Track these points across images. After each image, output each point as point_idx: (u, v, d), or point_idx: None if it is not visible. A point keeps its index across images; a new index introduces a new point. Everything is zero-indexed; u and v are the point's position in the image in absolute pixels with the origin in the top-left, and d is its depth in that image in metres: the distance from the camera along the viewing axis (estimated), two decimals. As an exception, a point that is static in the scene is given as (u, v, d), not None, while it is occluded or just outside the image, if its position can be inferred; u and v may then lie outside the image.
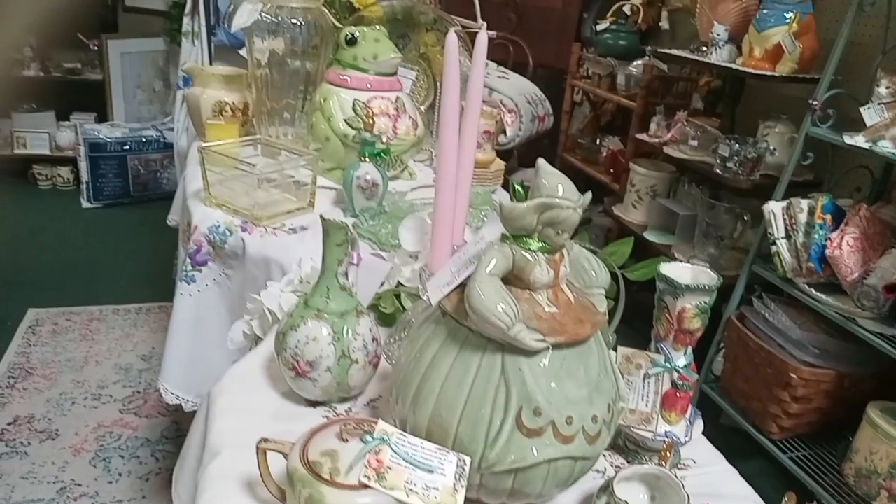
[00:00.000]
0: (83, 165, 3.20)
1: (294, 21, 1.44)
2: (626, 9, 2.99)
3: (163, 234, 2.28)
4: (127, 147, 3.22)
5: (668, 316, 0.78)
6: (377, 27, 1.35)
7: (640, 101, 2.69)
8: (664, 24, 3.01)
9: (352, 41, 1.30)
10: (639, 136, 2.63)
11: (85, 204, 3.29)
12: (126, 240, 3.02)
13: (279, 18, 1.43)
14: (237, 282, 1.19)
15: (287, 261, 1.09)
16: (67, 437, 1.84)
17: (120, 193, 3.29)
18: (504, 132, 1.49)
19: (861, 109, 1.81)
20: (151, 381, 2.11)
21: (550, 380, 0.63)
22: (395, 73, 1.37)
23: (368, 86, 1.33)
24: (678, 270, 0.80)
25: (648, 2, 2.98)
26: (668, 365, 0.78)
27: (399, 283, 1.01)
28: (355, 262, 0.86)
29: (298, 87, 1.55)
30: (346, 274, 0.78)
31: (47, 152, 3.37)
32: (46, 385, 2.05)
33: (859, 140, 1.80)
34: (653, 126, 2.58)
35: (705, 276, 0.79)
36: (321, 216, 0.74)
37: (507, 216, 0.64)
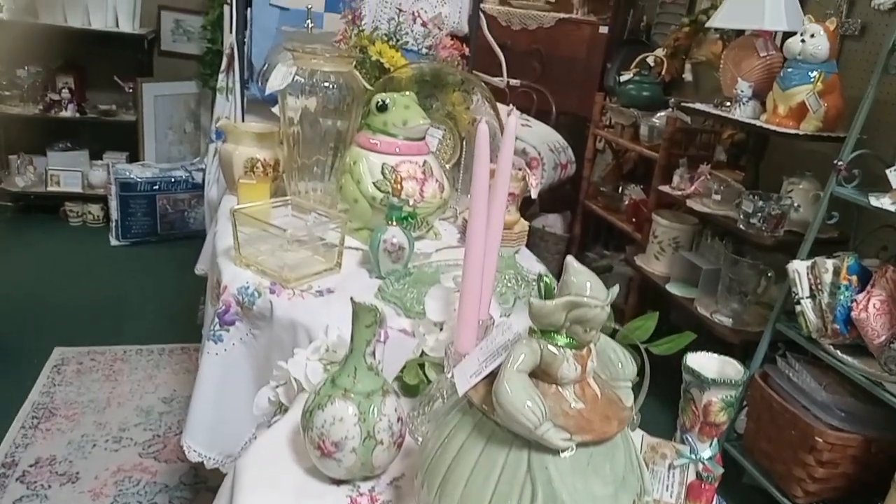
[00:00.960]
0: (113, 204, 3.28)
1: (326, 84, 1.48)
2: (650, 60, 3.03)
3: (188, 273, 2.32)
4: (156, 187, 3.30)
5: (693, 408, 0.78)
6: (407, 94, 1.38)
7: (663, 153, 2.70)
8: (687, 77, 3.04)
9: (382, 108, 1.34)
10: (661, 187, 2.64)
11: (113, 242, 3.36)
12: (152, 278, 3.07)
13: (313, 80, 1.47)
14: (264, 342, 1.21)
15: (313, 325, 1.11)
16: (87, 481, 1.85)
17: (147, 232, 3.36)
18: (529, 194, 1.51)
19: (887, 171, 1.80)
20: (171, 424, 2.12)
21: (577, 478, 0.63)
22: (423, 138, 1.40)
23: (397, 150, 1.36)
24: (704, 361, 0.80)
25: (672, 54, 3.01)
26: (693, 457, 0.78)
27: (423, 353, 1.02)
28: (382, 339, 0.87)
29: (329, 144, 1.59)
30: (373, 353, 0.79)
31: (79, 190, 3.47)
32: (69, 426, 2.07)
33: (885, 202, 1.80)
34: (676, 178, 2.59)
35: (732, 368, 0.79)
36: (351, 299, 0.75)
37: (535, 314, 0.65)
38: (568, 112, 3.48)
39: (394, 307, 1.15)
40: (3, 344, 2.45)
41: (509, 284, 1.25)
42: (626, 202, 3.08)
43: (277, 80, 1.42)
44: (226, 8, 3.02)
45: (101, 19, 3.25)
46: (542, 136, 3.14)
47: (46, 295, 2.82)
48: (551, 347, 0.65)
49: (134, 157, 3.50)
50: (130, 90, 3.41)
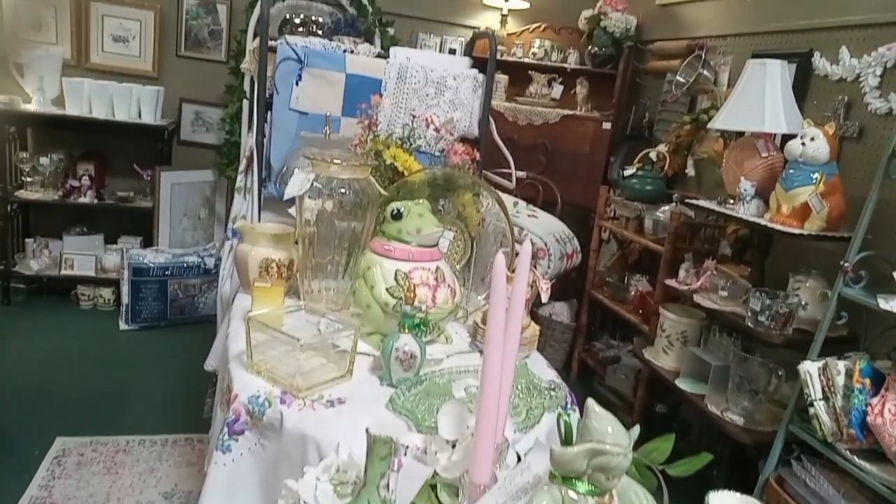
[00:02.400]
0: (125, 288, 3.31)
1: (343, 189, 1.53)
2: (653, 155, 3.12)
3: (195, 360, 2.31)
4: (168, 272, 3.34)
5: (715, 549, 0.76)
6: (421, 202, 1.42)
7: (669, 247, 2.73)
8: (690, 172, 3.11)
9: (397, 216, 1.38)
10: (668, 281, 2.65)
11: (122, 326, 3.37)
12: (159, 365, 3.06)
13: (330, 186, 1.52)
14: (272, 453, 1.20)
15: (324, 439, 1.10)
16: (82, 585, 1.79)
17: (157, 317, 3.38)
18: (539, 298, 1.52)
19: (895, 274, 1.82)
20: (171, 523, 2.06)
21: None
22: (436, 245, 1.43)
23: (410, 256, 1.39)
24: (727, 500, 0.79)
25: (674, 150, 3.10)
26: None
27: (435, 472, 1.01)
28: (396, 468, 0.86)
29: (344, 244, 1.62)
30: (387, 485, 0.78)
31: (92, 274, 3.51)
32: (66, 524, 2.02)
33: (895, 305, 1.80)
34: (682, 273, 2.61)
35: (751, 508, 0.78)
36: (367, 430, 0.76)
37: (557, 461, 0.65)
38: (573, 203, 3.55)
39: (405, 420, 1.15)
40: (6, 432, 2.42)
41: (521, 395, 1.25)
42: (633, 293, 3.10)
43: (296, 187, 1.47)
44: (244, 103, 3.16)
45: (125, 111, 3.39)
46: (548, 227, 3.19)
47: (52, 380, 2.80)
48: (572, 494, 0.65)
49: (148, 241, 3.56)
50: (149, 178, 3.51)
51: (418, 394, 1.21)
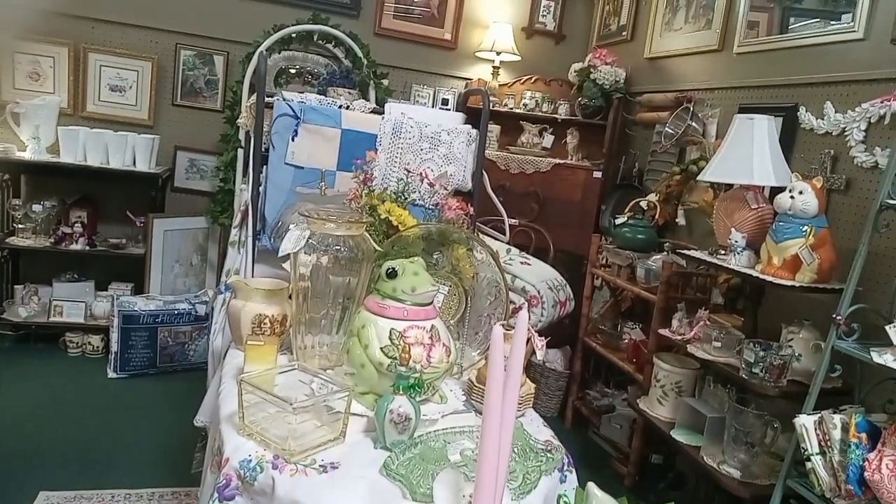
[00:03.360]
0: (114, 336, 3.27)
1: (338, 246, 1.53)
2: (643, 204, 3.15)
3: (184, 410, 2.28)
4: (159, 319, 3.31)
5: None
6: (416, 260, 1.43)
7: (661, 296, 2.74)
8: (681, 221, 3.15)
9: (392, 274, 1.38)
10: (661, 331, 2.65)
11: (111, 374, 3.32)
12: (147, 414, 3.00)
13: (325, 242, 1.53)
14: (264, 519, 1.17)
15: (316, 506, 1.08)
16: None
17: (146, 364, 3.33)
18: (534, 353, 1.52)
19: (887, 328, 1.83)
20: (156, 585, 2.00)
21: None
22: (431, 303, 1.43)
23: (405, 314, 1.38)
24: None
25: (665, 199, 3.14)
26: None
27: (431, 543, 0.99)
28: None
29: (338, 299, 1.62)
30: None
31: (82, 321, 3.47)
32: (47, 587, 1.95)
33: (888, 359, 1.81)
34: (675, 322, 2.61)
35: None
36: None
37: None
38: (565, 250, 3.57)
39: (400, 487, 1.13)
40: (-13, 488, 2.36)
41: (517, 458, 1.24)
42: (626, 341, 3.09)
43: (290, 244, 1.47)
44: (239, 151, 3.19)
45: (120, 159, 3.41)
46: (541, 275, 3.20)
47: (38, 431, 2.74)
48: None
49: (139, 288, 3.53)
50: (141, 225, 3.51)
51: (413, 458, 1.19)
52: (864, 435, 1.85)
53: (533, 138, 3.78)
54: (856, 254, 1.96)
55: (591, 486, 0.67)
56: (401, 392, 1.24)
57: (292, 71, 3.79)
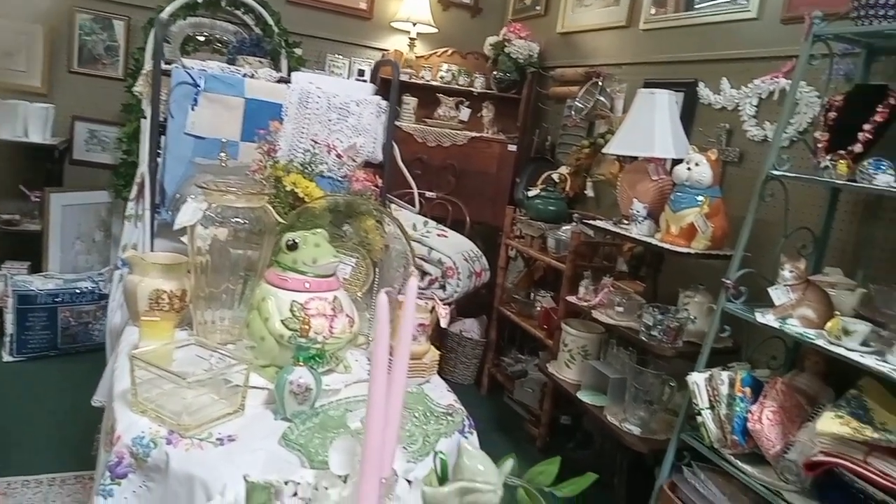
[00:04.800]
0: (9, 318, 3.09)
1: (238, 218, 1.50)
2: (555, 177, 3.24)
3: (87, 391, 2.19)
4: (58, 299, 3.15)
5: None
6: (318, 231, 1.42)
7: (569, 264, 2.84)
8: (589, 192, 3.25)
9: (293, 246, 1.37)
10: (569, 298, 2.75)
11: (6, 358, 3.14)
12: (47, 398, 2.87)
13: (224, 214, 1.49)
14: (158, 496, 1.15)
15: (211, 479, 1.07)
16: None
17: (46, 346, 3.17)
18: (438, 322, 1.55)
19: (769, 290, 1.96)
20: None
21: None
22: (333, 274, 1.43)
23: (306, 286, 1.38)
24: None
25: (575, 172, 3.23)
26: None
27: (326, 508, 1.01)
28: (279, 510, 0.86)
29: (239, 272, 1.59)
30: (269, 529, 0.78)
31: (-28, 303, 3.26)
32: (-64, 580, 1.85)
33: (770, 319, 1.94)
34: (581, 290, 2.71)
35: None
36: (244, 478, 0.75)
37: (429, 501, 0.67)
38: (481, 222, 3.63)
39: (298, 455, 1.14)
40: None
41: (417, 423, 1.27)
42: (538, 308, 3.19)
43: (186, 216, 1.43)
44: (143, 122, 3.04)
45: (10, 130, 3.19)
46: (457, 246, 3.25)
47: (-75, 422, 2.58)
48: (443, 530, 0.66)
49: (37, 267, 3.34)
50: (37, 199, 3.31)
51: (313, 427, 1.20)
52: (748, 389, 2.00)
53: (450, 111, 3.79)
54: (744, 221, 2.09)
55: (464, 443, 0.70)
56: (301, 363, 1.24)
57: (200, 38, 3.64)
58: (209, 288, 1.54)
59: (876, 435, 1.60)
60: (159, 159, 1.90)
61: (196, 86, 1.88)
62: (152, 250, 1.80)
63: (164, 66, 1.91)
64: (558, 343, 2.80)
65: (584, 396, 2.58)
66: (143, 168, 1.84)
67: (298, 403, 1.23)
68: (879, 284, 1.91)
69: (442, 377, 3.66)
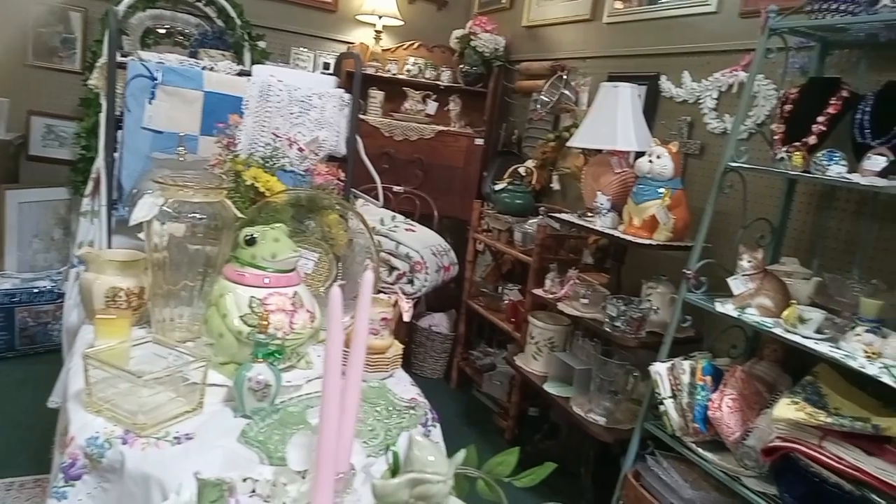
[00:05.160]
0: (-36, 319, 3.01)
1: (196, 213, 1.48)
2: (521, 170, 3.25)
3: (45, 393, 2.14)
4: (16, 299, 3.07)
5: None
6: (277, 226, 1.41)
7: (536, 257, 2.86)
8: (556, 186, 3.28)
9: (251, 241, 1.35)
10: (535, 291, 2.77)
11: (-39, 360, 3.06)
12: (4, 401, 2.79)
13: (181, 209, 1.47)
14: (114, 497, 1.13)
15: (168, 478, 1.06)
16: None
17: (3, 347, 3.09)
18: (402, 316, 1.55)
19: (728, 280, 2.00)
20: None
21: None
22: (293, 269, 1.42)
23: (266, 281, 1.36)
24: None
25: (541, 165, 3.25)
26: None
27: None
28: (233, 507, 0.85)
29: (198, 269, 1.57)
30: (221, 527, 0.77)
31: (-75, 303, 3.16)
32: None
33: (729, 308, 1.98)
34: (548, 282, 2.74)
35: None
36: (195, 475, 0.74)
37: (379, 494, 0.67)
38: (449, 216, 3.63)
39: (257, 452, 1.13)
40: None
41: (379, 418, 1.26)
42: (506, 302, 3.21)
43: (142, 212, 1.41)
44: (102, 116, 2.97)
45: (-39, 124, 3.10)
46: (425, 241, 3.24)
47: None
48: (395, 523, 0.66)
49: (-7, 266, 3.25)
50: (-8, 196, 3.22)
51: (272, 424, 1.19)
52: (708, 378, 2.04)
53: (416, 105, 3.78)
54: (704, 213, 2.13)
55: (414, 435, 0.70)
56: (260, 359, 1.22)
57: (161, 31, 3.56)
58: (167, 285, 1.51)
59: (829, 420, 1.64)
60: (116, 154, 1.86)
61: (153, 79, 1.84)
62: (110, 247, 1.77)
63: (119, 59, 1.86)
64: (525, 336, 2.82)
65: (551, 388, 2.61)
66: (99, 163, 1.80)
67: (258, 400, 1.22)
68: (833, 273, 1.97)
69: (411, 372, 3.67)
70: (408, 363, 3.63)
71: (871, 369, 1.57)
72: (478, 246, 3.47)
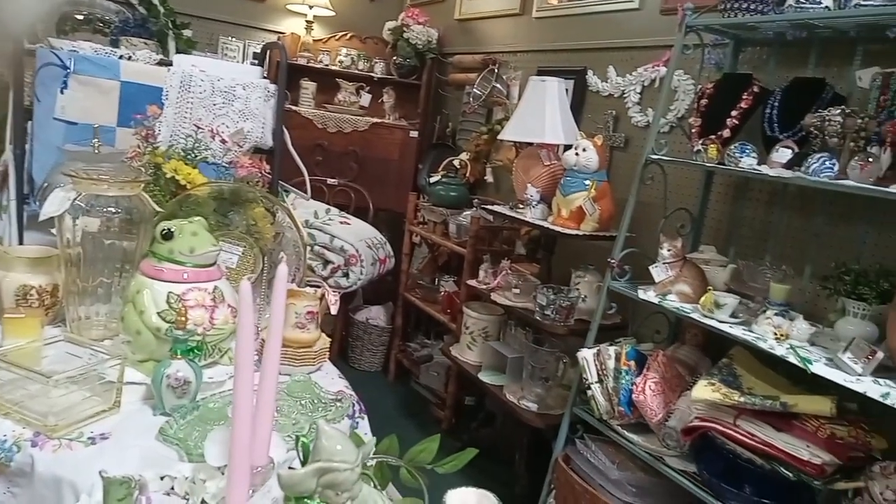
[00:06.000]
0: None
1: (111, 207, 1.43)
2: (456, 163, 3.28)
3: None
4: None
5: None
6: (196, 219, 1.38)
7: (470, 249, 2.90)
8: (489, 178, 3.32)
9: (168, 235, 1.32)
10: (469, 282, 2.81)
11: None
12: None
13: (96, 204, 1.42)
14: (24, 501, 1.09)
15: (81, 480, 1.03)
16: None
17: None
18: (329, 310, 1.54)
19: (650, 268, 2.08)
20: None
21: None
22: (213, 264, 1.39)
23: (185, 276, 1.33)
24: (465, 496, 0.85)
25: (474, 158, 3.28)
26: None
27: (203, 501, 0.99)
28: (143, 506, 0.83)
29: (114, 264, 1.52)
30: (130, 526, 0.76)
31: None
32: None
33: (650, 295, 2.06)
34: (481, 273, 2.78)
35: (489, 502, 0.85)
36: (100, 473, 0.72)
37: (285, 484, 0.67)
38: (385, 209, 3.63)
39: (176, 450, 1.11)
40: None
41: (304, 411, 1.26)
42: (442, 294, 3.23)
43: (53, 206, 1.35)
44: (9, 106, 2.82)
45: None
46: (360, 233, 3.24)
47: None
48: (305, 513, 0.67)
49: None
50: None
51: (192, 421, 1.17)
52: (632, 362, 2.11)
53: (350, 96, 3.75)
54: (626, 204, 2.20)
55: (321, 423, 0.70)
56: (179, 356, 1.20)
57: (79, 17, 3.39)
58: (82, 282, 1.46)
59: (743, 399, 1.73)
60: (27, 146, 1.77)
61: (65, 67, 1.76)
62: (21, 244, 1.69)
63: (28, 46, 1.78)
64: (461, 326, 2.85)
65: (485, 377, 2.65)
66: (7, 155, 1.71)
67: (177, 397, 1.20)
68: (748, 260, 2.07)
69: (349, 365, 3.66)
70: (345, 357, 3.62)
71: (780, 350, 1.66)
72: (414, 238, 3.48)
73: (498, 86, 3.24)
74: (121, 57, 1.97)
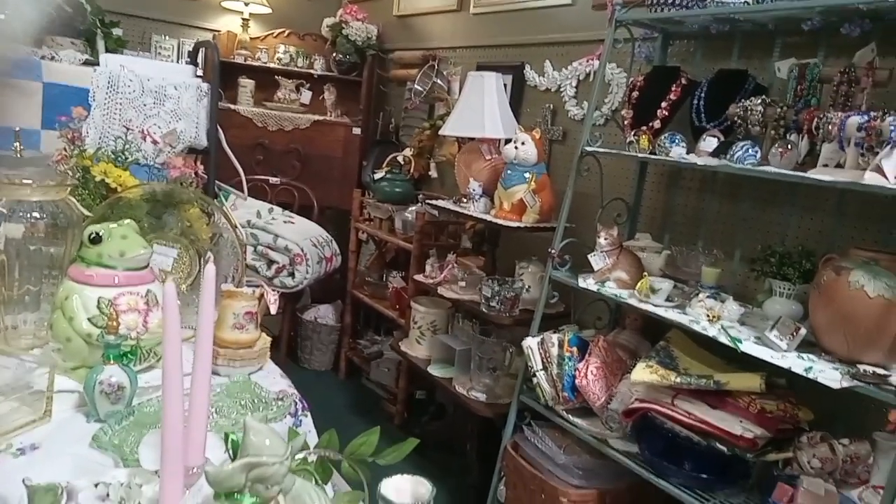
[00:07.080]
0: None
1: (35, 213, 1.39)
2: (400, 159, 3.28)
3: None
4: None
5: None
6: (126, 222, 1.35)
7: (416, 244, 2.91)
8: (433, 173, 3.34)
9: (96, 240, 1.29)
10: (416, 276, 2.82)
11: None
12: None
13: (18, 210, 1.37)
14: (-52, 519, 1.05)
15: (10, 492, 0.99)
16: None
17: None
18: (268, 310, 1.53)
19: (588, 257, 2.13)
20: None
21: None
22: (146, 267, 1.37)
23: (116, 280, 1.31)
24: (399, 484, 0.86)
25: (418, 153, 3.30)
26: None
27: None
28: (73, 514, 0.82)
29: (42, 271, 1.47)
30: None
31: None
32: None
33: (590, 283, 2.11)
34: (428, 267, 2.79)
35: (423, 487, 0.86)
36: (23, 482, 0.71)
37: (213, 481, 0.67)
38: (330, 207, 3.61)
39: (112, 456, 1.09)
40: None
41: (243, 411, 1.25)
42: (390, 290, 3.24)
43: (-29, 214, 1.30)
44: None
45: None
46: (304, 232, 3.21)
47: None
48: (236, 509, 0.67)
49: None
50: None
51: (127, 426, 1.15)
52: (575, 349, 2.16)
53: (290, 94, 3.70)
54: (565, 195, 2.25)
55: (248, 420, 0.70)
56: (111, 361, 1.17)
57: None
58: (6, 290, 1.41)
59: (679, 379, 1.80)
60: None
61: (-18, 69, 1.70)
62: (-59, 253, 1.61)
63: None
64: (409, 321, 2.86)
65: (435, 370, 2.67)
66: (-79, 162, 1.64)
67: (112, 403, 1.17)
68: (681, 246, 2.15)
69: (299, 365, 3.63)
70: (294, 357, 3.59)
71: (712, 331, 1.73)
72: (360, 235, 3.47)
73: (439, 81, 3.26)
74: (42, 57, 1.90)
